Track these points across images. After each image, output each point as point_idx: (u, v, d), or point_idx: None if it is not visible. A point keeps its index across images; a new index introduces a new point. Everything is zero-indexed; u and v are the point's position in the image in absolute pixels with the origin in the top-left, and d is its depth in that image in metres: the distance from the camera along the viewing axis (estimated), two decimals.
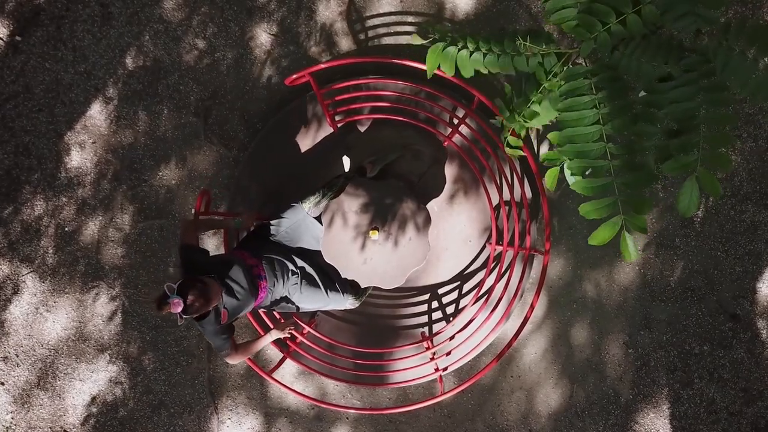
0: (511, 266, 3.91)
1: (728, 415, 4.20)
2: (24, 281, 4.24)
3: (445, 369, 3.91)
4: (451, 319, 4.03)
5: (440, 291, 4.07)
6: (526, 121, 2.01)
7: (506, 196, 3.98)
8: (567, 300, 4.19)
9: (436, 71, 2.02)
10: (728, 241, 4.16)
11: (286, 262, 3.24)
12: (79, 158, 4.19)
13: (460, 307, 4.04)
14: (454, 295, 4.06)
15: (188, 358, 4.23)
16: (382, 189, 3.32)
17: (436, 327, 4.07)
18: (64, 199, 4.21)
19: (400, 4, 4.13)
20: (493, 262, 3.92)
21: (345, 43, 4.15)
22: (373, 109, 4.02)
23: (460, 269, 4.06)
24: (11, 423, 4.29)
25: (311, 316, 4.00)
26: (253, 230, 3.50)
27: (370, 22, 4.14)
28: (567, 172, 1.91)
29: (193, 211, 4.08)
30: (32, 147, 4.18)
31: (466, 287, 4.06)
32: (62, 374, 4.27)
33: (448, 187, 4.03)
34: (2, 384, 4.29)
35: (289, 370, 4.19)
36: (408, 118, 3.89)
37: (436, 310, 4.08)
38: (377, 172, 3.81)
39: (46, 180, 4.20)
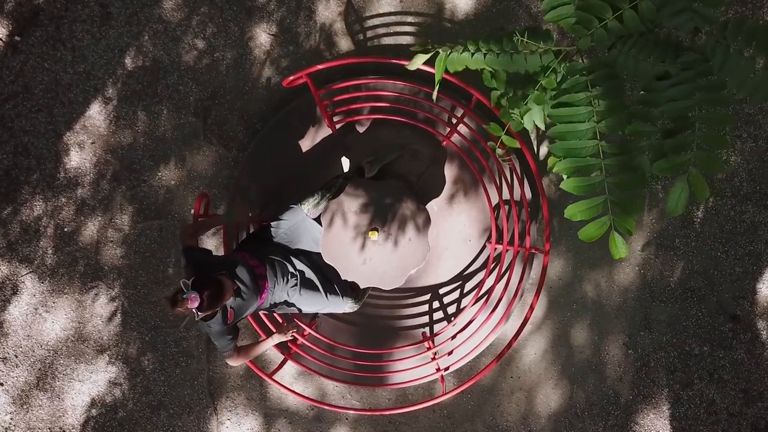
0: (511, 266, 3.91)
1: (728, 416, 4.19)
2: (23, 282, 4.24)
3: (446, 369, 3.90)
4: (452, 318, 4.03)
5: (440, 291, 4.06)
6: (521, 120, 2.00)
7: (506, 195, 3.98)
8: (567, 300, 4.18)
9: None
10: (728, 242, 4.15)
11: (286, 263, 3.24)
12: (79, 158, 4.19)
13: (460, 307, 4.04)
14: (455, 295, 4.06)
15: (187, 359, 4.23)
16: (382, 189, 3.30)
17: (437, 327, 4.07)
18: (63, 199, 4.20)
19: (399, 4, 4.13)
20: (493, 262, 3.91)
21: (344, 43, 4.15)
22: (372, 109, 4.01)
23: (460, 269, 4.05)
24: (10, 424, 4.28)
25: (312, 318, 4.00)
26: (253, 232, 3.50)
27: (370, 23, 4.14)
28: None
29: (192, 212, 4.09)
30: (31, 147, 4.18)
31: (467, 287, 4.05)
32: (61, 375, 4.27)
33: (447, 187, 4.02)
34: (1, 385, 4.29)
35: (288, 371, 4.18)
36: (407, 118, 3.89)
37: (436, 310, 4.07)
38: (376, 172, 3.81)
39: (45, 180, 4.20)
